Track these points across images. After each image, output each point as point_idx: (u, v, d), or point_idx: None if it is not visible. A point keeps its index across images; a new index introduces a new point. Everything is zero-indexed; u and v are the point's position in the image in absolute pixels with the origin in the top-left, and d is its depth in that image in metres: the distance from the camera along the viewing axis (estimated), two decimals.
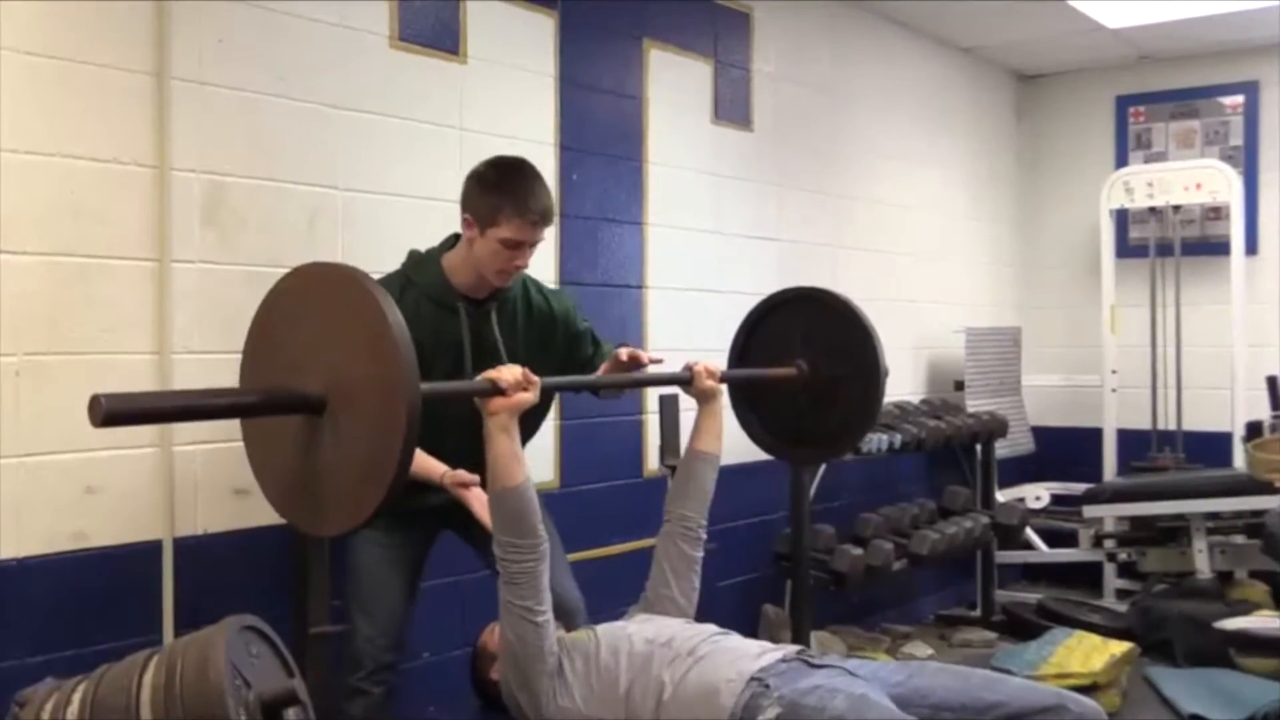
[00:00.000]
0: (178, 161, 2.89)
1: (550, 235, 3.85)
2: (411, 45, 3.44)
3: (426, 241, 3.44)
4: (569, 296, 3.31)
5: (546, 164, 3.86)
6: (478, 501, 2.76)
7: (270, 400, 2.05)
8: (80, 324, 2.73)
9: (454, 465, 2.84)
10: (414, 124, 3.45)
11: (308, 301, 2.12)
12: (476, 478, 2.76)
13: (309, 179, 3.18)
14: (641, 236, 4.21)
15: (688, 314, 4.36)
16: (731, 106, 4.66)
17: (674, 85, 4.37)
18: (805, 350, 3.16)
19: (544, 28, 3.87)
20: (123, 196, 2.80)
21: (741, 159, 4.67)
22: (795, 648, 2.53)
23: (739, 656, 2.40)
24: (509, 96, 3.75)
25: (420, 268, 2.98)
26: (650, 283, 4.22)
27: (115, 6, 2.79)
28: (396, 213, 3.40)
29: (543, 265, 3.84)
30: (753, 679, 2.31)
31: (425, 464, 2.80)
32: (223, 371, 2.80)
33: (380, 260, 3.30)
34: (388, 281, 2.89)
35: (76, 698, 1.67)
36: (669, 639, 2.48)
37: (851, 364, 3.11)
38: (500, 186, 2.86)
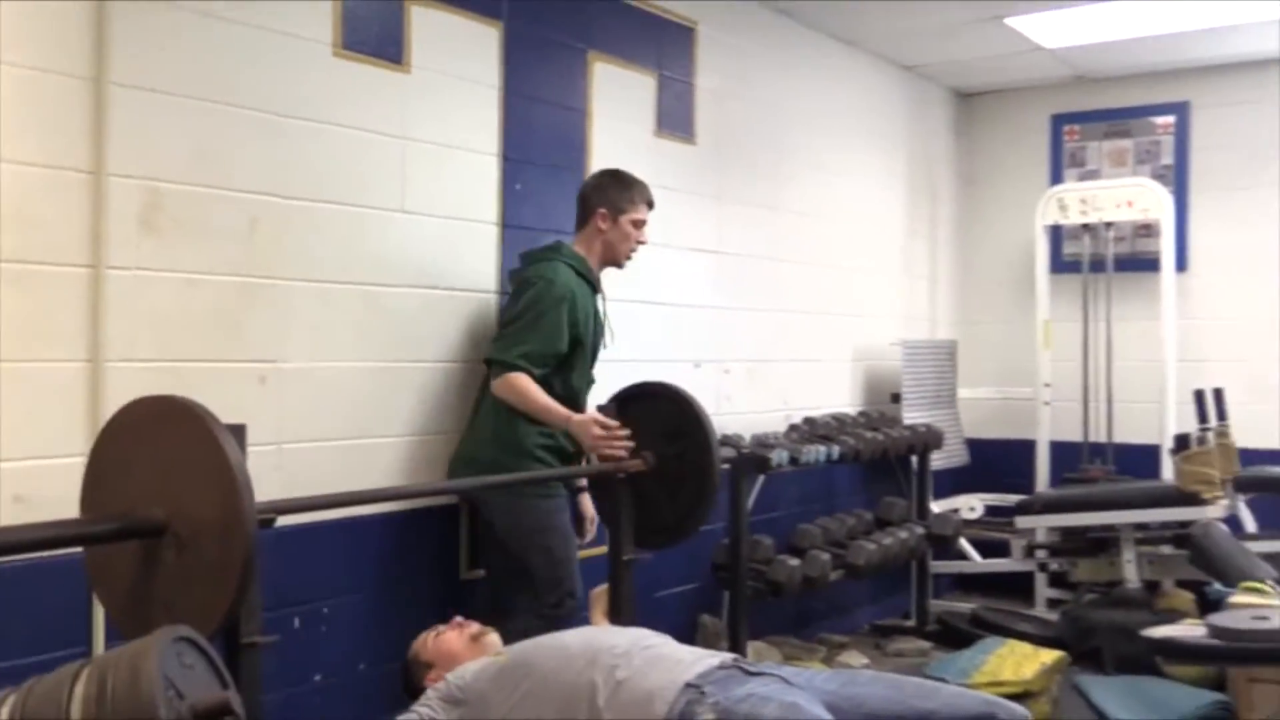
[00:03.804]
0: (115, 167, 2.86)
1: (491, 244, 3.88)
2: (355, 54, 3.43)
3: (368, 249, 3.45)
4: None
5: (489, 174, 3.88)
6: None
7: (111, 530, 2.08)
8: (11, 330, 2.69)
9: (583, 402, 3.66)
10: (356, 132, 3.44)
11: (149, 433, 2.13)
12: (616, 424, 3.33)
13: (250, 186, 3.16)
14: None
15: (628, 325, 4.36)
16: (674, 119, 4.69)
17: (618, 97, 4.40)
18: (651, 441, 3.37)
19: (488, 38, 3.87)
20: (58, 202, 2.77)
21: (683, 172, 4.71)
22: (731, 655, 2.55)
23: (675, 664, 2.42)
24: (452, 106, 3.75)
25: (567, 250, 3.71)
26: None
27: (53, 8, 2.76)
28: (338, 221, 3.39)
29: (484, 274, 3.85)
30: (688, 685, 2.32)
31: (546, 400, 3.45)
32: (157, 380, 2.79)
33: (319, 269, 3.31)
34: (536, 254, 3.70)
35: (4, 712, 1.65)
36: (607, 645, 2.50)
37: (691, 447, 3.36)
38: (626, 183, 3.75)
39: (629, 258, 3.80)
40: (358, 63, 3.45)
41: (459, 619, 2.91)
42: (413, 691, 2.79)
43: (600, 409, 3.42)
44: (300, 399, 3.27)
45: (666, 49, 4.65)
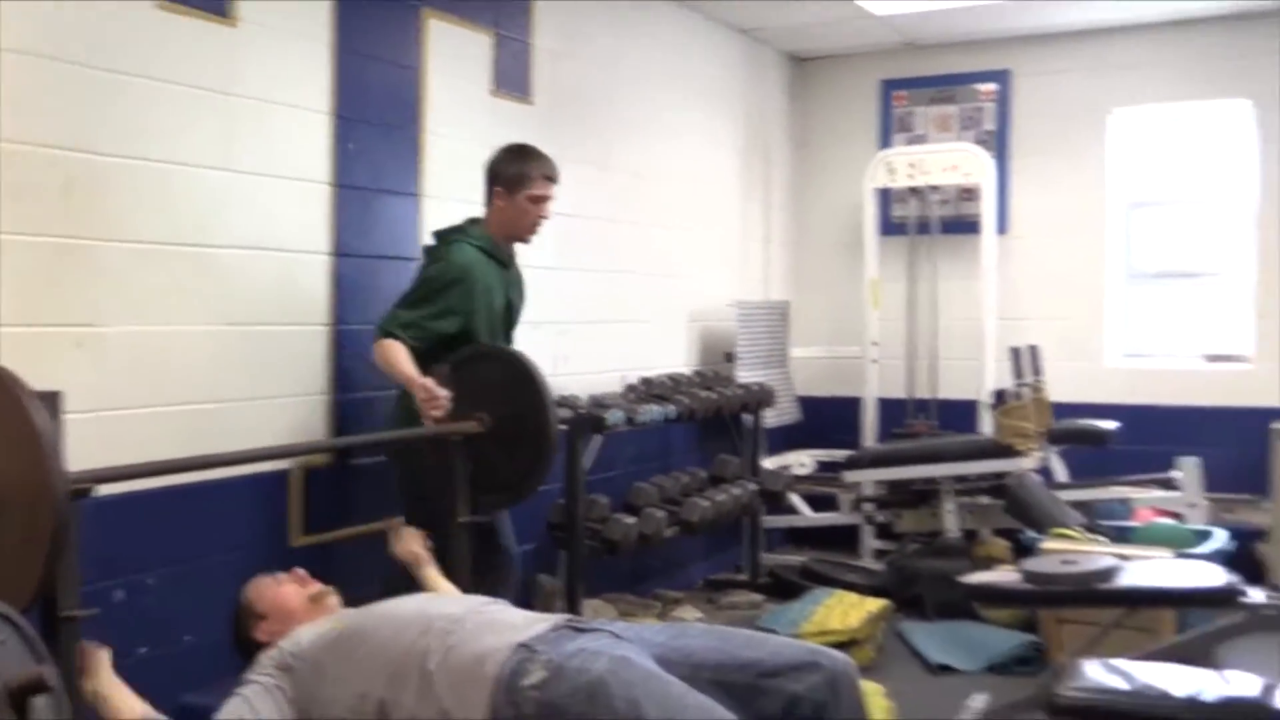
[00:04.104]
0: None
1: (323, 203, 3.80)
2: (177, 5, 3.31)
3: (193, 210, 3.35)
4: None
5: (320, 132, 3.80)
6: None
7: None
8: None
9: None
10: (180, 88, 3.32)
11: None
12: (435, 386, 3.32)
13: (65, 143, 3.03)
14: (418, 208, 4.19)
15: None
16: (511, 79, 4.66)
17: (453, 56, 4.35)
18: (487, 403, 3.40)
19: None
20: None
21: (520, 132, 4.66)
22: (565, 616, 2.59)
23: (507, 627, 2.44)
24: (282, 62, 3.66)
25: (473, 226, 3.77)
26: None
27: None
28: (160, 180, 3.27)
29: (315, 235, 3.78)
30: (520, 645, 2.35)
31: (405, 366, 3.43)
32: None
33: (140, 230, 3.20)
34: (445, 232, 3.76)
35: None
36: (441, 612, 2.50)
37: (526, 407, 3.39)
38: (522, 157, 3.77)
39: (532, 232, 3.83)
40: (181, 15, 3.32)
41: (301, 571, 2.83)
42: (243, 642, 2.73)
43: (433, 372, 3.41)
44: (123, 364, 3.17)
45: (503, 7, 4.61)
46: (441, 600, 2.60)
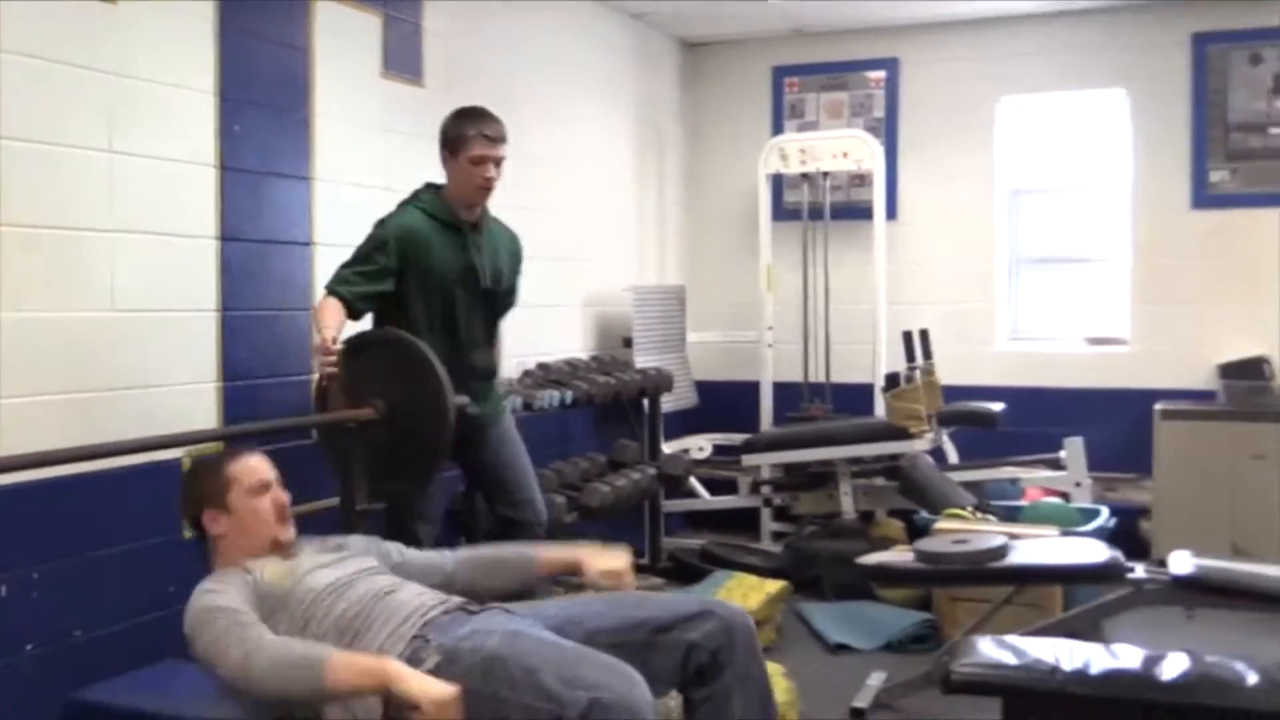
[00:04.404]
0: None
1: (210, 187, 3.70)
2: None
3: (74, 193, 3.23)
4: (517, 234, 4.13)
5: (205, 113, 3.68)
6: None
7: None
8: None
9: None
10: (58, 67, 3.19)
11: None
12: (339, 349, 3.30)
13: None
14: (309, 191, 4.09)
15: None
16: (402, 60, 4.58)
17: (342, 36, 4.25)
18: (383, 389, 3.36)
19: None
20: None
21: (413, 114, 4.61)
22: (458, 600, 2.57)
23: (402, 619, 2.42)
24: (165, 41, 3.53)
25: (423, 193, 3.82)
26: (318, 239, 4.12)
27: None
28: (40, 162, 3.14)
29: (203, 218, 3.67)
30: (414, 638, 2.36)
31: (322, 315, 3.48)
32: None
33: (16, 213, 3.07)
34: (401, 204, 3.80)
35: None
36: (353, 597, 2.47)
37: (423, 394, 3.36)
38: (462, 119, 3.77)
39: (479, 196, 3.82)
40: None
41: (289, 512, 2.72)
42: (190, 507, 2.67)
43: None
44: (3, 353, 3.03)
45: None
46: (357, 584, 2.54)
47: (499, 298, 3.98)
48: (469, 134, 3.74)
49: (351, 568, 2.61)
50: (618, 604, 2.60)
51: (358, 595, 2.50)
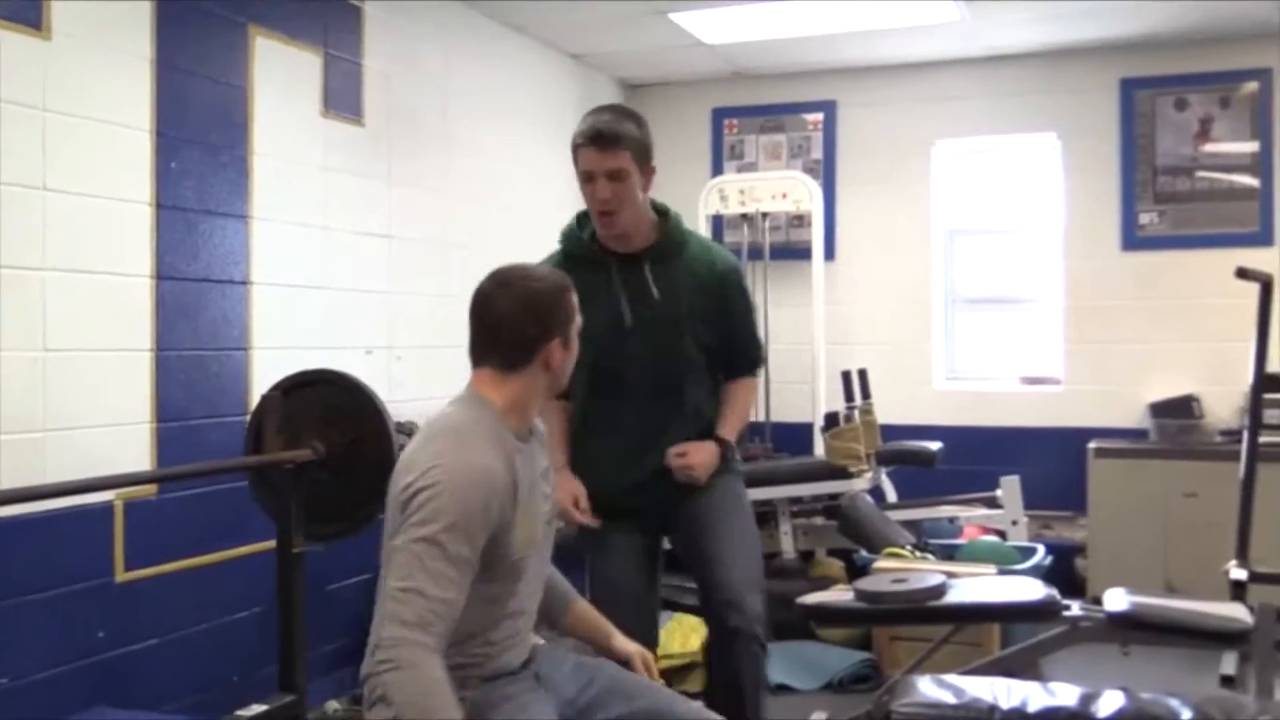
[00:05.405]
0: None
1: (145, 225, 3.65)
2: None
3: (7, 231, 3.18)
4: (735, 261, 3.29)
5: (141, 151, 3.65)
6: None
7: None
8: None
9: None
10: None
11: None
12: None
13: None
14: (246, 230, 4.05)
15: (295, 311, 4.24)
16: (342, 99, 4.57)
17: (281, 75, 4.24)
18: (320, 430, 3.29)
19: (139, 7, 3.64)
20: None
21: (352, 153, 4.60)
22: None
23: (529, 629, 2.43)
24: (100, 78, 3.50)
25: (567, 233, 3.17)
26: (255, 278, 4.07)
27: None
28: None
29: (137, 257, 3.63)
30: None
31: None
32: None
33: None
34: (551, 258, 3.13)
35: None
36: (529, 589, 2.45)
37: (365, 435, 3.27)
38: (581, 122, 2.96)
39: (601, 222, 3.01)
40: None
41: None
42: (541, 325, 2.31)
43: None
44: None
45: (333, 27, 4.52)
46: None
47: (688, 347, 3.08)
48: (575, 141, 2.96)
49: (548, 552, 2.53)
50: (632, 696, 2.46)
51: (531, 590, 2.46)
